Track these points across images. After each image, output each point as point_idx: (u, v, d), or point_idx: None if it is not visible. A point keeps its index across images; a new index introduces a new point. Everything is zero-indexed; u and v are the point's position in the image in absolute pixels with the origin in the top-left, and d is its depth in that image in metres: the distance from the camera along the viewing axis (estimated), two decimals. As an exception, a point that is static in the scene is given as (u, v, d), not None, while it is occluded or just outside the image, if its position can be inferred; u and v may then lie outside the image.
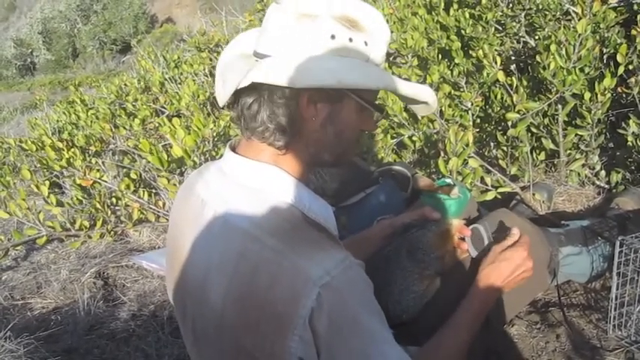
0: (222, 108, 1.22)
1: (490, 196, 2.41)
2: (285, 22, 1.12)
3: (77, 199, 3.37)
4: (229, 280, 1.09)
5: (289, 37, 1.11)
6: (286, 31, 1.12)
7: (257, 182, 1.16)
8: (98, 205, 3.24)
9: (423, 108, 1.30)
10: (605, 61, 2.66)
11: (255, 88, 1.10)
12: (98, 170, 3.44)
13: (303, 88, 1.09)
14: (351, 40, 1.13)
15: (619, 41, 2.63)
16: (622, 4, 2.91)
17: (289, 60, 1.09)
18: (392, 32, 3.57)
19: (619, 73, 2.39)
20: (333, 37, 1.11)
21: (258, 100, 1.12)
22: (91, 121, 4.85)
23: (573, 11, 2.72)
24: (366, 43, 1.15)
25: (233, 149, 1.23)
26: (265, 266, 1.05)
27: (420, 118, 2.83)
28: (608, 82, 2.33)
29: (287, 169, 1.17)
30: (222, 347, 1.15)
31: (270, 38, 1.14)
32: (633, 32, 2.50)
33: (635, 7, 2.88)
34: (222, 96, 1.15)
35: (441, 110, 2.77)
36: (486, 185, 2.45)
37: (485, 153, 2.97)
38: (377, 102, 1.27)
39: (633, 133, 2.35)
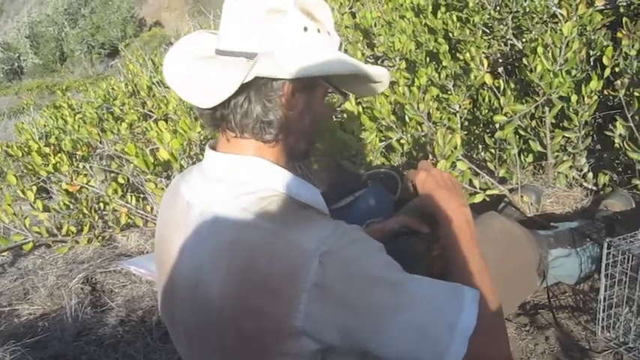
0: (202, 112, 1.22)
1: (479, 198, 2.41)
2: (255, 18, 1.14)
3: (64, 204, 3.35)
4: (226, 271, 1.09)
5: (266, 33, 1.14)
6: (260, 27, 1.14)
7: (242, 175, 1.18)
8: (85, 210, 3.22)
9: (376, 87, 1.36)
10: (591, 64, 2.67)
11: (244, 86, 1.11)
12: (85, 175, 3.42)
13: (287, 81, 1.13)
14: (318, 30, 1.18)
15: (605, 44, 2.64)
16: (608, 6, 2.92)
17: (278, 54, 1.12)
18: (380, 35, 3.58)
19: (605, 76, 2.40)
20: (305, 29, 1.16)
21: (248, 97, 1.14)
22: (79, 126, 4.82)
23: (560, 14, 2.73)
24: (328, 33, 1.21)
25: (213, 149, 1.25)
26: (261, 248, 1.06)
27: (408, 120, 2.83)
28: (595, 84, 2.34)
29: (271, 159, 1.20)
30: (224, 344, 1.14)
31: (245, 36, 1.16)
32: (619, 35, 2.51)
33: (621, 9, 2.90)
34: (217, 97, 1.12)
35: (428, 113, 2.77)
36: (475, 188, 2.45)
37: (474, 155, 2.98)
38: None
39: (620, 135, 2.36)
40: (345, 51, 3.70)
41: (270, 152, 1.20)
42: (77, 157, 3.85)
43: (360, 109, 2.93)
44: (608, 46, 2.51)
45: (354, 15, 4.45)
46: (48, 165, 3.54)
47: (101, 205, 3.34)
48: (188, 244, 1.19)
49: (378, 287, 1.03)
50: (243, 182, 1.16)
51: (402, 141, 2.87)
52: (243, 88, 1.11)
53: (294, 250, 1.03)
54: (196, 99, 1.16)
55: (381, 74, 1.29)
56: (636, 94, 2.30)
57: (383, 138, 2.91)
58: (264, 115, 1.15)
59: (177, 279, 1.22)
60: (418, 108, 2.69)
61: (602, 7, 2.86)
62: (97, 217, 3.25)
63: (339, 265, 1.02)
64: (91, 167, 3.58)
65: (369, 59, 3.69)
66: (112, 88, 5.63)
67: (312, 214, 1.13)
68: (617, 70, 2.44)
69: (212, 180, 1.21)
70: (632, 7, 2.84)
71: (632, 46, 2.39)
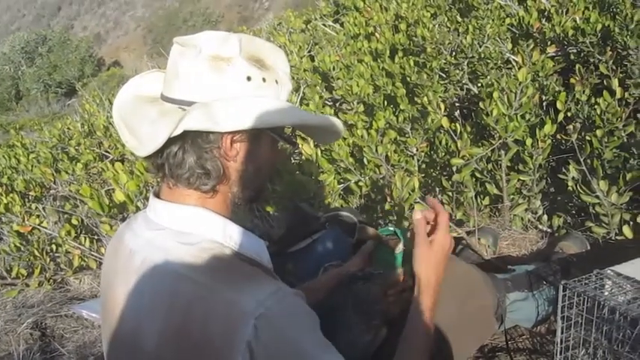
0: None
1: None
2: (199, 65, 1.13)
3: (15, 245, 3.25)
4: (163, 322, 1.07)
5: (208, 81, 1.13)
6: (203, 75, 1.13)
7: (184, 225, 1.16)
8: (37, 252, 3.13)
9: (331, 136, 1.34)
10: (545, 109, 2.73)
11: (179, 136, 1.09)
12: (38, 216, 3.34)
13: (224, 133, 1.12)
14: (264, 80, 1.16)
15: (557, 89, 2.71)
16: (559, 53, 3.01)
17: (214, 106, 1.10)
18: (338, 79, 3.61)
19: (558, 120, 2.46)
20: (249, 79, 1.14)
21: (183, 147, 1.12)
22: (32, 166, 4.72)
23: (514, 60, 2.80)
24: (276, 82, 1.19)
25: (157, 196, 1.23)
26: (198, 303, 1.04)
27: (366, 163, 2.84)
28: (549, 128, 2.39)
29: (213, 209, 1.17)
30: None
31: (187, 83, 1.14)
32: (571, 81, 2.58)
33: (572, 56, 2.99)
34: (148, 147, 1.11)
35: (386, 156, 2.79)
36: (433, 230, 2.46)
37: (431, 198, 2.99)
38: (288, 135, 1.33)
39: (573, 178, 2.41)
40: (304, 94, 3.72)
41: (211, 202, 1.18)
42: (30, 198, 3.76)
43: (319, 152, 2.93)
44: (560, 91, 2.58)
45: (312, 58, 4.50)
46: (-1, 205, 3.45)
47: (53, 247, 3.25)
48: (129, 291, 1.17)
49: None
50: (184, 232, 1.15)
51: (360, 183, 2.88)
52: (179, 138, 1.10)
53: (232, 309, 1.01)
54: (133, 146, 1.16)
55: (329, 124, 1.28)
56: (588, 138, 2.36)
57: (341, 180, 2.91)
58: (198, 167, 1.13)
59: (121, 326, 1.20)
60: (376, 151, 2.71)
61: (554, 54, 2.95)
62: (48, 260, 3.16)
63: (272, 333, 1.01)
64: (43, 208, 3.49)
65: (327, 102, 3.72)
66: (68, 128, 5.55)
67: (255, 271, 1.12)
68: (569, 114, 2.50)
69: (155, 228, 1.19)
70: (582, 55, 2.94)
71: (584, 92, 2.46)
